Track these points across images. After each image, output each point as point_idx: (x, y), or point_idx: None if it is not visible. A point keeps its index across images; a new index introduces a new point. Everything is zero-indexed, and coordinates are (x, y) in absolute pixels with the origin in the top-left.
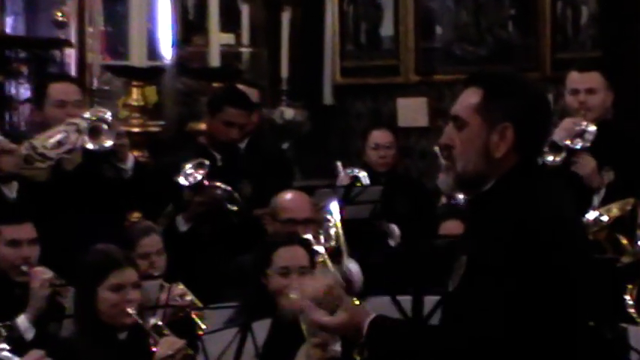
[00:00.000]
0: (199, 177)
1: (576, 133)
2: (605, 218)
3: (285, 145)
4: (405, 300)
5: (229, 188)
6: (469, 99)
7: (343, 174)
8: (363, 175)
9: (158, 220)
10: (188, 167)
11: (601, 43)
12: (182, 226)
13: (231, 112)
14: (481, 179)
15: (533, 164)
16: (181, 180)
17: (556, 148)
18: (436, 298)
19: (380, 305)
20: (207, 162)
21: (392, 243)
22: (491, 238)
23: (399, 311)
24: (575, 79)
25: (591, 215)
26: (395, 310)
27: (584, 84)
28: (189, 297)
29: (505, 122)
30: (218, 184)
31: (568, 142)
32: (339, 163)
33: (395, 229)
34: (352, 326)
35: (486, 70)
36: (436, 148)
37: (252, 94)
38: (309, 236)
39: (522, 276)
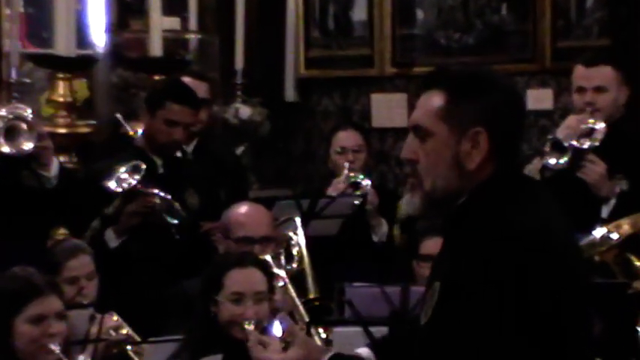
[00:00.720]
0: (133, 182)
1: (582, 131)
2: (614, 236)
3: (239, 149)
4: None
5: (169, 197)
6: (430, 104)
7: (343, 178)
8: (367, 184)
9: (83, 235)
10: (121, 171)
11: (609, 29)
12: (112, 241)
13: (174, 109)
14: (454, 196)
15: (511, 171)
16: (112, 185)
17: (560, 149)
18: (423, 289)
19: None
20: (143, 165)
21: (375, 239)
22: (465, 258)
23: (387, 302)
24: (582, 74)
25: (598, 232)
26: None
27: (592, 81)
28: (125, 329)
29: (476, 127)
30: (155, 191)
31: (574, 142)
32: (346, 164)
33: (383, 225)
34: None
35: (443, 67)
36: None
37: (201, 88)
38: (267, 257)
39: (498, 303)
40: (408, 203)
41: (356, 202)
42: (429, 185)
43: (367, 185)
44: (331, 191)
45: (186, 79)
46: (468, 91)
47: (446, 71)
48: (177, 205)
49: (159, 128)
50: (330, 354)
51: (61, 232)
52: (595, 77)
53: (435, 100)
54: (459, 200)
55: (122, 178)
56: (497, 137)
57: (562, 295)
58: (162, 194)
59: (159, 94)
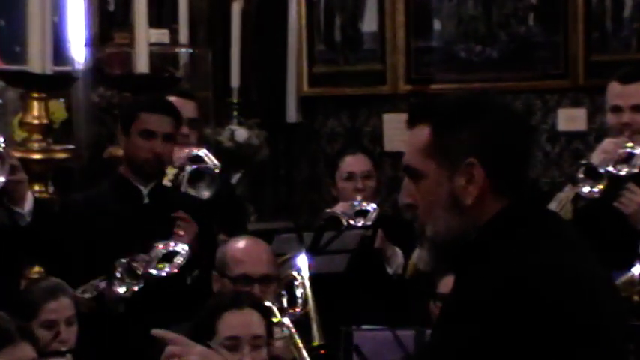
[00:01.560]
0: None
1: (620, 156)
2: None
3: (235, 176)
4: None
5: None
6: (416, 141)
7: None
8: (373, 208)
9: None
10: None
11: None
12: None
13: (148, 119)
14: (458, 237)
15: (520, 206)
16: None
17: (595, 176)
18: None
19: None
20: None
21: (390, 271)
22: (461, 293)
23: (400, 347)
24: (617, 92)
25: (637, 269)
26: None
27: (629, 99)
28: None
29: (467, 158)
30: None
31: (611, 169)
32: (359, 197)
33: (398, 254)
34: None
35: (427, 98)
36: None
37: (188, 107)
38: (268, 302)
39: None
40: (419, 259)
41: (364, 233)
42: (431, 230)
43: (374, 211)
44: (337, 210)
45: (172, 99)
46: (453, 120)
47: (430, 103)
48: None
49: (136, 144)
50: None
51: (36, 269)
52: (633, 95)
53: (420, 136)
54: (466, 240)
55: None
56: (493, 166)
57: (565, 337)
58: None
59: (131, 108)
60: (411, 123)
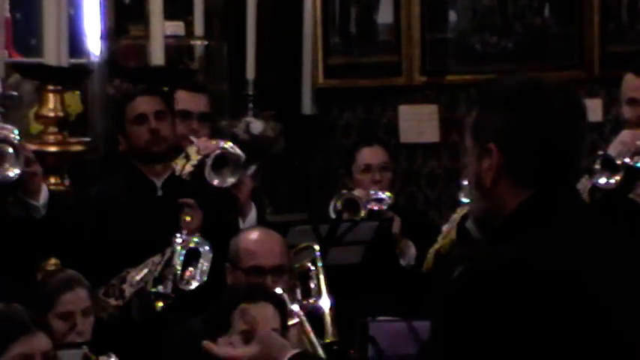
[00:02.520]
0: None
1: (637, 149)
2: None
3: (250, 168)
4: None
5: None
6: (469, 120)
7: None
8: (388, 196)
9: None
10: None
11: None
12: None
13: (135, 103)
14: (486, 218)
15: (547, 199)
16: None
17: (611, 167)
18: None
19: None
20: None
21: (403, 263)
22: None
23: (415, 338)
24: (633, 85)
25: None
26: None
27: None
28: None
29: (489, 143)
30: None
31: (628, 160)
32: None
33: (411, 246)
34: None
35: (487, 81)
36: None
37: (199, 102)
38: (280, 290)
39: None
40: (470, 228)
41: (380, 224)
42: (470, 206)
43: (389, 199)
44: (357, 195)
45: (181, 93)
46: (489, 103)
47: (486, 82)
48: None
49: (132, 132)
50: (290, 353)
51: (52, 262)
52: None
53: (473, 115)
54: (493, 225)
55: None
56: (511, 156)
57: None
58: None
59: (119, 103)
60: (475, 102)
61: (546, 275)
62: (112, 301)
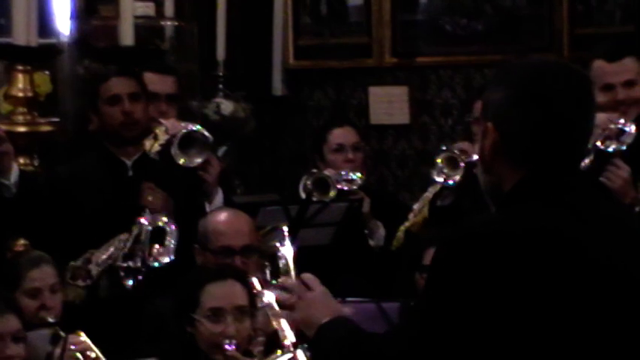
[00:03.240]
0: None
1: (610, 132)
2: None
3: (221, 149)
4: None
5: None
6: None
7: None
8: (359, 177)
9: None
10: None
11: (634, 13)
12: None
13: (109, 84)
14: (491, 192)
15: (541, 180)
16: None
17: None
18: None
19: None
20: None
21: (372, 243)
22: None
23: (384, 319)
24: (606, 71)
25: None
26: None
27: (620, 76)
28: (93, 352)
29: (489, 120)
30: None
31: (598, 144)
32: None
33: (380, 227)
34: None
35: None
36: None
37: (166, 83)
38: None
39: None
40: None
41: (350, 205)
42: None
43: (359, 180)
44: (327, 174)
45: (149, 75)
46: (496, 82)
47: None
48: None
49: (105, 112)
50: (325, 319)
51: (21, 242)
52: (622, 71)
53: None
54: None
55: None
56: (506, 135)
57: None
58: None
59: (91, 86)
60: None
61: (533, 230)
62: (80, 282)
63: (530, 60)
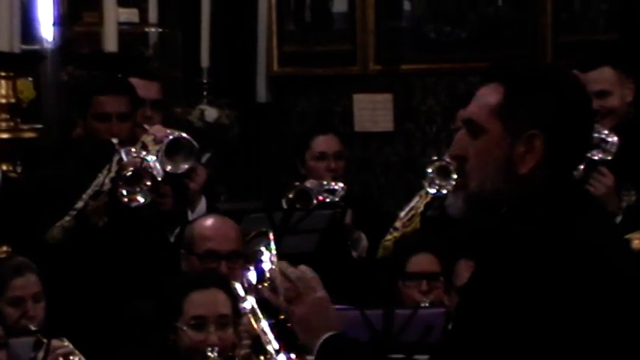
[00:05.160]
0: None
1: (594, 141)
2: None
3: (205, 156)
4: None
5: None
6: (487, 99)
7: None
8: (340, 187)
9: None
10: None
11: (617, 22)
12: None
13: (100, 101)
14: (500, 200)
15: (566, 183)
16: None
17: None
18: (408, 311)
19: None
20: None
21: (355, 254)
22: (494, 276)
23: (369, 327)
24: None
25: None
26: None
27: (592, 86)
28: (77, 357)
29: (532, 129)
30: None
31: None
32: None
33: (363, 239)
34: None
35: (505, 60)
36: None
37: (150, 89)
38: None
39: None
40: (451, 205)
41: (333, 213)
42: (475, 186)
43: (342, 190)
44: (306, 184)
45: (134, 80)
46: (528, 88)
47: (508, 64)
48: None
49: (92, 127)
50: (328, 334)
51: (3, 249)
52: (596, 81)
53: (492, 95)
54: (502, 206)
55: None
56: (555, 143)
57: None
58: None
59: (83, 92)
60: (487, 79)
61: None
62: (66, 218)
63: (545, 65)
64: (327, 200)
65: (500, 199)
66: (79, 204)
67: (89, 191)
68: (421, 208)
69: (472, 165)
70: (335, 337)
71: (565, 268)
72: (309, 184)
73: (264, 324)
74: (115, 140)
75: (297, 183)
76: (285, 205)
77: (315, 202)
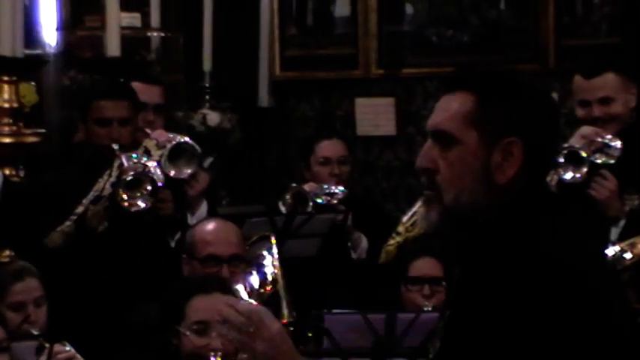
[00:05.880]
0: None
1: (597, 145)
2: (628, 256)
3: (207, 160)
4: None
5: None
6: (456, 107)
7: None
8: (340, 190)
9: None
10: None
11: (620, 25)
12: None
13: (101, 106)
14: (478, 212)
15: (540, 188)
16: None
17: (576, 160)
18: (410, 315)
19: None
20: None
21: (354, 256)
22: (483, 285)
23: (371, 331)
24: (583, 87)
25: (610, 251)
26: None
27: (596, 93)
28: None
29: (509, 137)
30: None
31: (592, 158)
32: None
33: (363, 240)
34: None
35: (467, 66)
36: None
37: (153, 93)
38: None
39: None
40: (423, 219)
41: (335, 218)
42: (451, 199)
43: (341, 193)
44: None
45: (136, 85)
46: (501, 94)
47: (473, 72)
48: None
49: (93, 132)
50: None
51: (6, 254)
52: (598, 88)
53: (462, 103)
54: (481, 217)
55: None
56: (532, 149)
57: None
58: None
59: (85, 96)
60: (451, 88)
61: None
62: (66, 222)
63: (507, 71)
64: (325, 202)
65: (477, 210)
66: (80, 209)
67: (89, 196)
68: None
69: (445, 177)
70: None
71: (547, 274)
72: (307, 187)
73: None
74: (115, 146)
75: (294, 185)
76: (282, 208)
77: (311, 204)
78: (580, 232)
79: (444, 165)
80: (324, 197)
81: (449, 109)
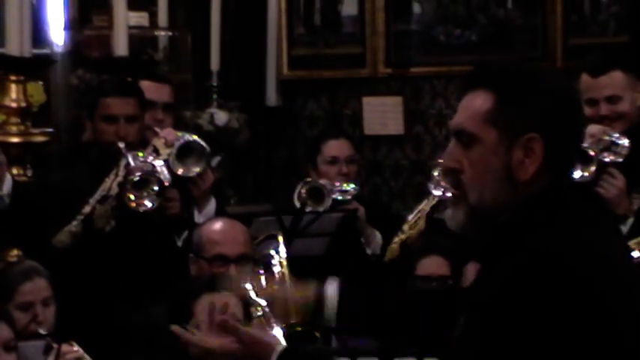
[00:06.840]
0: None
1: (605, 143)
2: (636, 254)
3: (215, 159)
4: None
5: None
6: (476, 106)
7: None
8: (352, 187)
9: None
10: None
11: (627, 24)
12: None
13: (107, 103)
14: (503, 210)
15: (567, 184)
16: None
17: (584, 159)
18: None
19: None
20: None
21: (369, 251)
22: (499, 290)
23: None
24: (589, 86)
25: None
26: None
27: (603, 91)
28: None
29: (529, 133)
30: None
31: (600, 156)
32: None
33: (377, 234)
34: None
35: (488, 63)
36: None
37: (162, 92)
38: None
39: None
40: (450, 220)
41: (343, 216)
42: (476, 198)
43: (354, 190)
44: (322, 183)
45: (145, 83)
46: (520, 92)
47: (493, 68)
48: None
49: (100, 129)
50: (279, 349)
51: (14, 253)
52: (606, 86)
53: (481, 101)
54: (504, 216)
55: None
56: (553, 145)
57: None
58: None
59: (91, 94)
60: (472, 86)
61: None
62: (74, 222)
63: (528, 66)
64: (340, 198)
65: (501, 209)
66: (87, 208)
67: (96, 195)
68: (427, 211)
69: (469, 177)
70: (286, 350)
71: (568, 289)
72: (322, 181)
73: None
74: (121, 144)
75: (310, 179)
76: (297, 201)
77: (328, 199)
78: (606, 233)
79: (467, 164)
80: (338, 193)
81: (469, 108)
